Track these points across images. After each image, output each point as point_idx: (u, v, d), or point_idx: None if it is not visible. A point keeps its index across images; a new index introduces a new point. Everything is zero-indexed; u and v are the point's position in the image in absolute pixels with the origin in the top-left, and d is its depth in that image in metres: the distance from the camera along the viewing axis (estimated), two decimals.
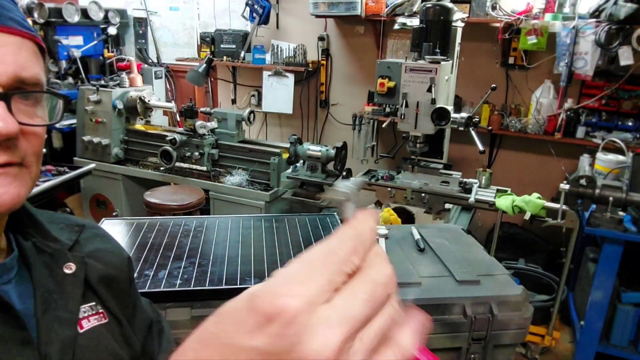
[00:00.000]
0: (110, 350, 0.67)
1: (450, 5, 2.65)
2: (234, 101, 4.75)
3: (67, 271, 0.65)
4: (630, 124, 3.24)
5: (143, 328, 0.79)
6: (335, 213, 1.91)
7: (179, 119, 4.52)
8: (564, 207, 2.35)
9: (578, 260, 3.06)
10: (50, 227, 0.69)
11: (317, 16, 3.91)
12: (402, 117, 2.59)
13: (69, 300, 0.64)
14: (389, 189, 2.75)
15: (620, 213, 2.40)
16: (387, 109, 2.86)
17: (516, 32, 3.31)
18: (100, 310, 0.69)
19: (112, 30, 4.41)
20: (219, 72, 4.73)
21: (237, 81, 4.68)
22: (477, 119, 2.64)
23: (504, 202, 2.49)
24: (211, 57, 3.91)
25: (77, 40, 4.18)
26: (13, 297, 0.60)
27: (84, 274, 0.67)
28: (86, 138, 3.59)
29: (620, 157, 2.69)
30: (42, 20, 3.94)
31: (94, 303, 0.69)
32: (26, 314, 0.60)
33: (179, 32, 4.94)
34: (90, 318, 0.66)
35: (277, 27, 4.35)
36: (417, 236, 1.82)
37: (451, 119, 2.54)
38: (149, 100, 3.64)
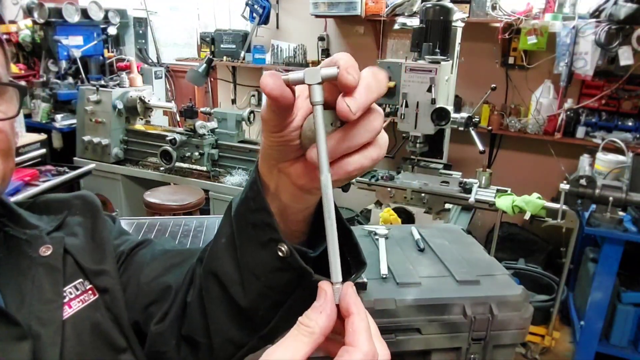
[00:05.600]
0: (98, 332, 0.63)
1: (450, 5, 2.65)
2: (234, 101, 4.75)
3: (43, 254, 0.62)
4: (630, 124, 3.24)
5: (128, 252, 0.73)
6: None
7: (179, 119, 4.52)
8: (564, 207, 2.35)
9: (578, 260, 3.06)
10: (31, 217, 0.66)
11: (317, 16, 3.91)
12: (402, 117, 2.59)
13: (45, 289, 0.60)
14: (388, 189, 2.74)
15: (620, 213, 2.40)
16: (387, 109, 2.86)
17: (516, 32, 3.31)
18: (88, 287, 0.65)
19: (112, 30, 4.41)
20: (219, 72, 4.73)
21: (237, 81, 4.68)
22: (477, 119, 2.64)
23: (504, 202, 2.48)
24: (211, 57, 3.92)
25: (77, 40, 4.19)
26: None
27: (63, 252, 0.64)
28: (86, 138, 3.59)
29: (620, 157, 2.69)
30: (42, 20, 3.94)
31: (80, 280, 0.65)
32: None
33: (179, 32, 4.94)
34: (71, 302, 0.62)
35: (277, 27, 4.35)
36: (417, 236, 1.82)
37: (451, 119, 2.54)
38: (149, 100, 3.63)
